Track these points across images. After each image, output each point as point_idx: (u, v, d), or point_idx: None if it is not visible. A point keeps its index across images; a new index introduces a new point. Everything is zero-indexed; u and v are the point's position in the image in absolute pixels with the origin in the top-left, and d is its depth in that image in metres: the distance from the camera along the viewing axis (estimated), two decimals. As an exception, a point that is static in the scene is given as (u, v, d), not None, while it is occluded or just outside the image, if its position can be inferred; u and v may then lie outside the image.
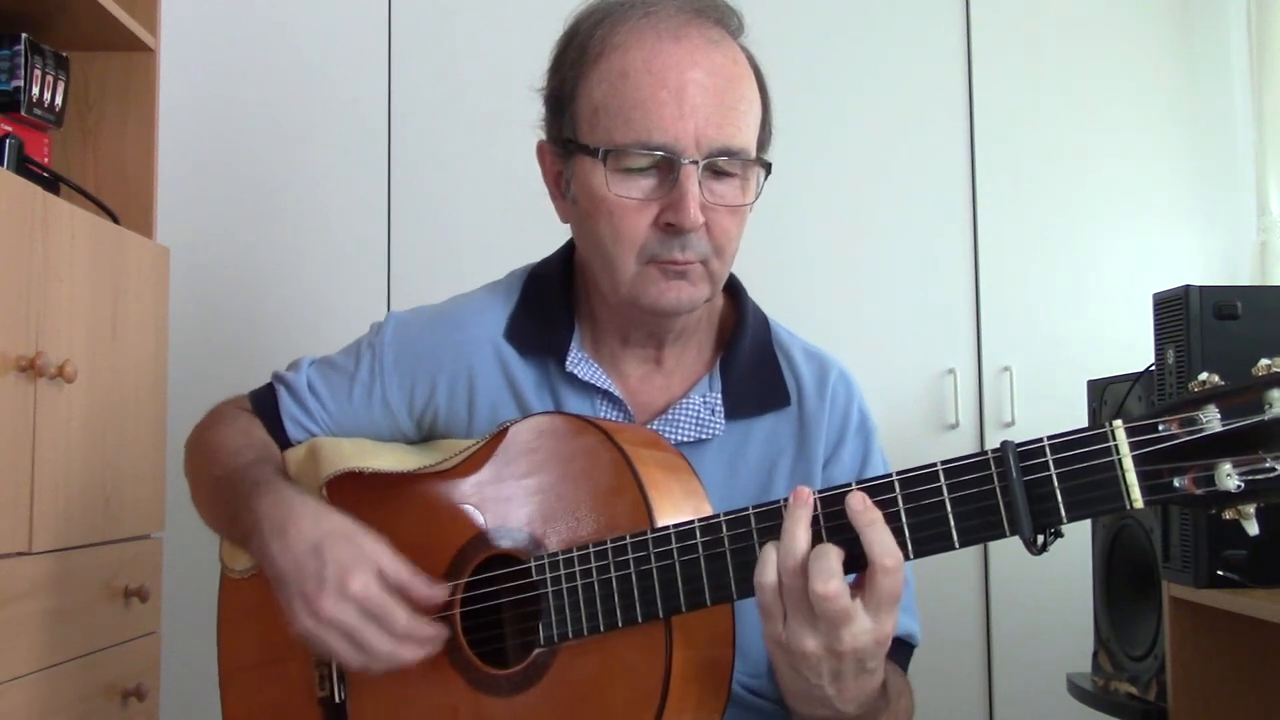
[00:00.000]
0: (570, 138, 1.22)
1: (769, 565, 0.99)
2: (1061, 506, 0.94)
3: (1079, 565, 2.22)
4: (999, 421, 2.59)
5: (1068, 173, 2.66)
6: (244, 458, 1.29)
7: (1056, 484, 0.94)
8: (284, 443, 1.36)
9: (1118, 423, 0.93)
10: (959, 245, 2.64)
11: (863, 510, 0.98)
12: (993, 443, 2.60)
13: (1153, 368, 1.89)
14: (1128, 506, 0.92)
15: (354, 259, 2.61)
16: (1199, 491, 0.90)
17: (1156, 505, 0.95)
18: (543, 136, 1.30)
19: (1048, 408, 2.54)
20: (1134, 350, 2.18)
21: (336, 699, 1.24)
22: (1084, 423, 2.17)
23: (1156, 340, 1.85)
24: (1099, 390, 2.14)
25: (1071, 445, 0.94)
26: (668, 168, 1.17)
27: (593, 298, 1.30)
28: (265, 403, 1.38)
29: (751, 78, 1.23)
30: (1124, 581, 2.08)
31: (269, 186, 2.62)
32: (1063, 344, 2.60)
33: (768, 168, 1.23)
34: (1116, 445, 0.92)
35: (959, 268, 2.64)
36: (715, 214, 1.19)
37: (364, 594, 1.11)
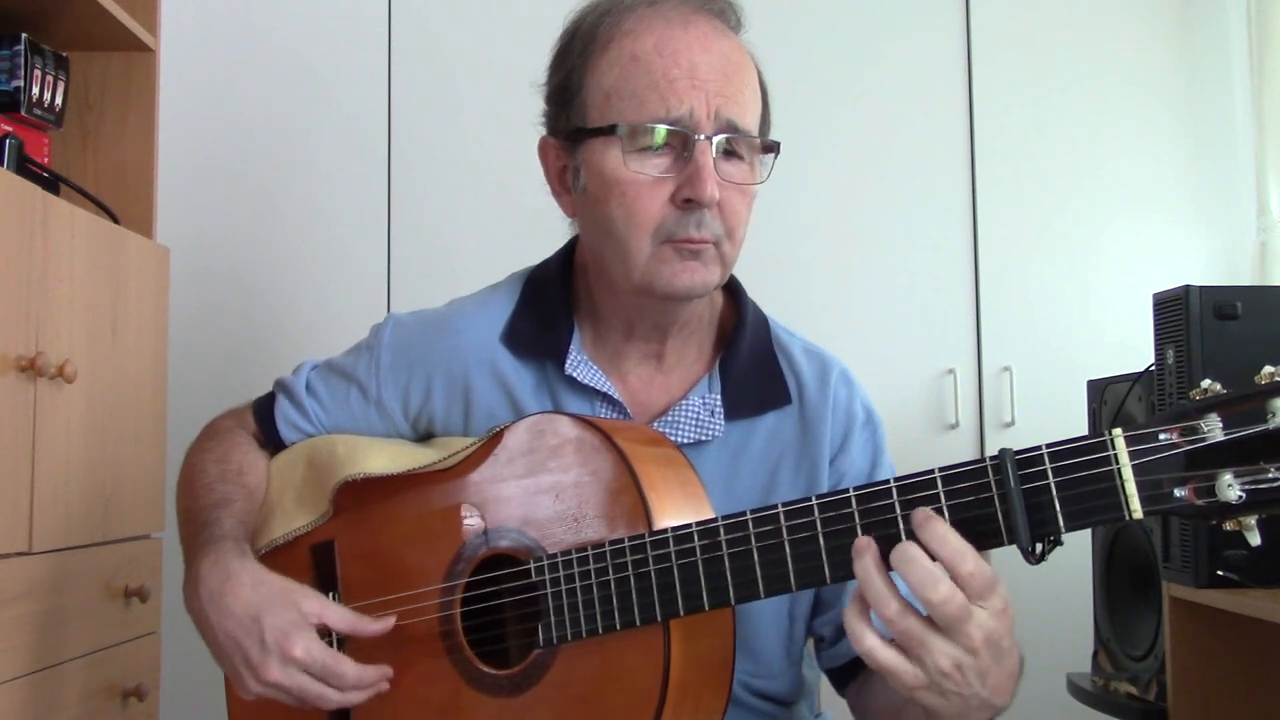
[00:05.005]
0: (580, 126, 1.23)
1: (867, 635, 0.97)
2: (1060, 516, 0.93)
3: (1079, 565, 2.22)
4: (999, 422, 2.59)
5: (1067, 172, 2.66)
6: (212, 495, 1.31)
7: (1055, 493, 0.93)
8: (279, 447, 1.38)
9: (1117, 431, 0.91)
10: (959, 245, 2.64)
11: (926, 519, 0.96)
12: (993, 443, 2.62)
13: (1153, 368, 1.89)
14: (1127, 517, 0.91)
15: (354, 259, 2.61)
16: (1199, 502, 0.89)
17: (1156, 516, 0.93)
18: (544, 134, 1.30)
19: (1048, 408, 2.54)
20: (1134, 350, 2.18)
21: None
22: (1084, 423, 2.18)
23: (1156, 340, 1.85)
24: (1099, 390, 2.14)
25: (1070, 454, 0.93)
26: (681, 145, 1.18)
27: (596, 294, 1.30)
28: (264, 409, 1.40)
29: (754, 69, 1.25)
30: (1124, 581, 2.08)
31: (269, 186, 2.62)
32: (1063, 344, 2.60)
33: (776, 149, 1.24)
34: (1116, 455, 0.91)
35: (959, 268, 2.64)
36: (727, 192, 1.20)
37: (307, 658, 1.16)
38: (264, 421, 1.39)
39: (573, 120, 1.24)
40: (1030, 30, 2.68)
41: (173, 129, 2.43)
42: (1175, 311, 1.79)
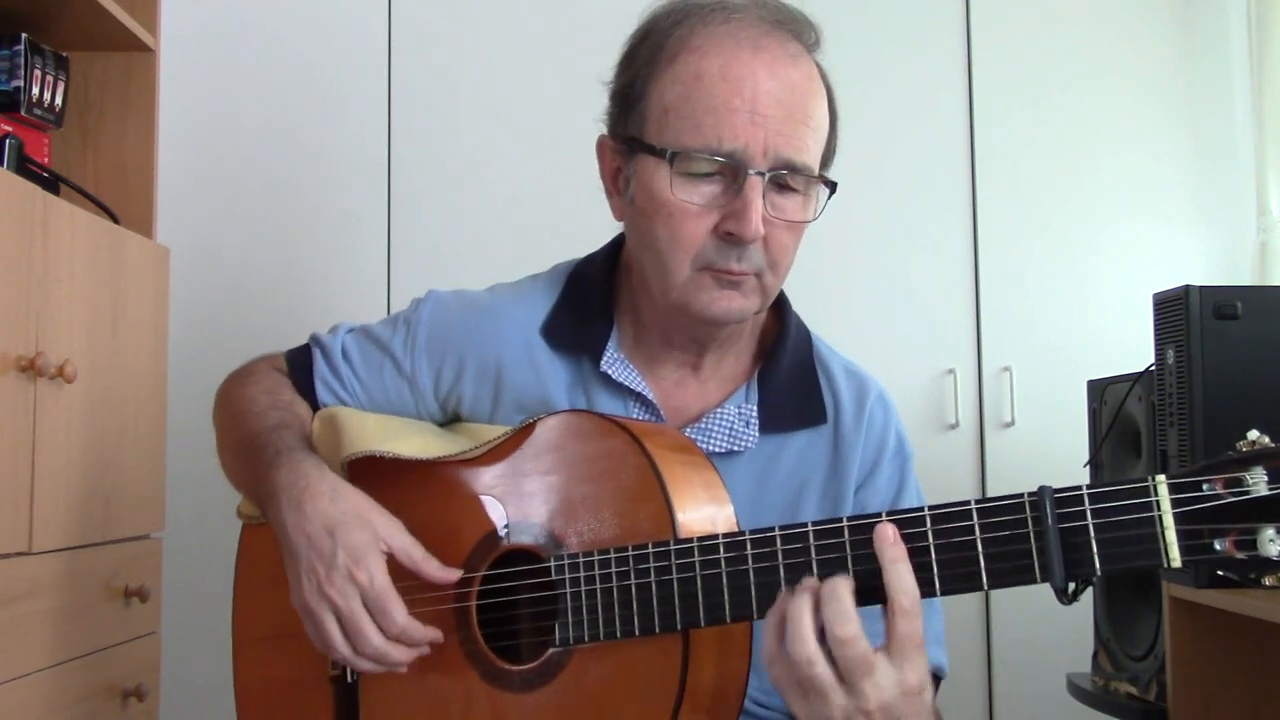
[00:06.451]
0: (636, 136, 1.21)
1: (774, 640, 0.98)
2: (1096, 558, 0.92)
3: (1079, 565, 2.22)
4: (999, 421, 2.59)
5: (1067, 173, 2.66)
6: (268, 420, 1.29)
7: (1092, 534, 0.92)
8: (314, 405, 1.36)
9: (1160, 478, 0.90)
10: (959, 245, 2.64)
11: (892, 544, 0.96)
12: (993, 443, 2.62)
13: (1153, 368, 1.89)
14: (1165, 565, 0.90)
15: (354, 259, 2.61)
16: (1240, 555, 0.88)
17: (1193, 566, 0.93)
18: (604, 131, 1.28)
19: (1048, 408, 2.54)
20: (1134, 350, 2.17)
21: (348, 679, 1.24)
22: (1085, 423, 2.18)
23: (1156, 340, 1.85)
24: (1099, 390, 2.14)
25: (1111, 496, 0.92)
26: (732, 176, 1.16)
27: (638, 297, 1.29)
28: (299, 363, 1.38)
29: (824, 96, 1.23)
30: (1124, 582, 2.08)
31: (269, 186, 2.62)
32: (1063, 344, 2.60)
33: (832, 187, 1.22)
34: (1158, 501, 0.90)
35: (959, 268, 2.64)
36: (774, 228, 1.18)
37: (368, 586, 1.13)
38: (299, 376, 1.37)
39: (630, 128, 1.22)
40: (1030, 30, 2.68)
41: (173, 129, 2.43)
42: (1175, 311, 1.79)
